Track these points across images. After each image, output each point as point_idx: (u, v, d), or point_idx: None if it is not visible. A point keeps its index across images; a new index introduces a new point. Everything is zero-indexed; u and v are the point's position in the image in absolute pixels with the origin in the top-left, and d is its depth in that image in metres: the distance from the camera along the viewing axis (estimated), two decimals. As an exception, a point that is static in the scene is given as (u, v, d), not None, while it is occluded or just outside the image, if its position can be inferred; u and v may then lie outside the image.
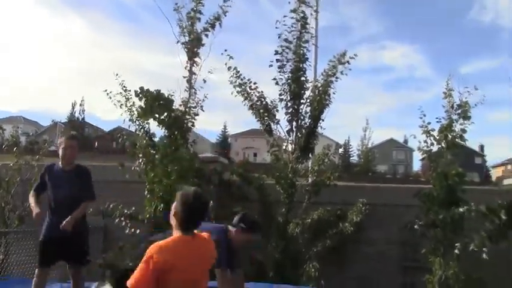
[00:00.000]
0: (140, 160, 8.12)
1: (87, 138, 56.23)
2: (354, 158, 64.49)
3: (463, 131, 7.38)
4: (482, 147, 65.16)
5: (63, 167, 4.72)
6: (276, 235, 8.20)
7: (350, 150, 65.90)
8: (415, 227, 7.86)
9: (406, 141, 68.88)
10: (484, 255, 5.99)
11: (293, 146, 8.69)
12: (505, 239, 6.25)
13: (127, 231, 8.40)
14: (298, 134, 8.63)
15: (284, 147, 8.92)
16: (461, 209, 6.59)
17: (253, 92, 8.63)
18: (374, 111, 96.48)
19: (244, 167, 9.93)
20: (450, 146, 7.23)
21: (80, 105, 63.47)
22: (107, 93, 8.32)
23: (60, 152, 4.72)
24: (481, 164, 62.95)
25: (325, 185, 8.44)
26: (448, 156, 7.33)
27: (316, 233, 8.66)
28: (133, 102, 8.10)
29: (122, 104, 8.19)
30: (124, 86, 8.28)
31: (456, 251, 6.49)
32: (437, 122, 7.54)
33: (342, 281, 8.34)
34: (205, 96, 8.48)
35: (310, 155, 8.80)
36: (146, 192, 8.12)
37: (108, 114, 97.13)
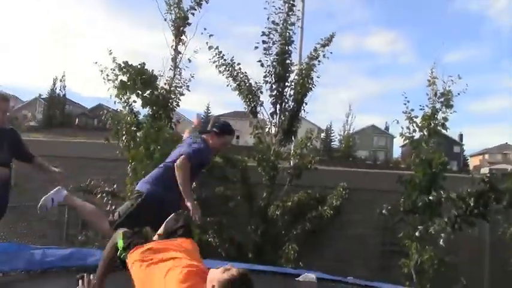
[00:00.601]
0: (123, 138, 8.08)
1: (68, 116, 55.51)
2: (335, 143, 64.93)
3: (445, 119, 7.48)
4: (461, 136, 66.06)
5: None
6: (257, 217, 8.26)
7: (332, 135, 66.29)
8: (391, 213, 8.03)
9: (387, 128, 69.42)
10: (441, 242, 6.11)
11: (276, 128, 8.74)
12: (470, 226, 6.38)
13: (108, 208, 8.38)
14: (282, 116, 8.67)
15: (267, 130, 8.96)
16: (433, 196, 6.71)
17: (238, 72, 8.61)
18: (357, 97, 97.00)
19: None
20: (432, 134, 7.33)
21: (61, 80, 62.42)
22: (97, 65, 8.11)
23: None
24: (460, 153, 63.89)
25: (307, 168, 8.50)
26: (431, 144, 7.43)
27: (296, 215, 8.74)
28: (117, 77, 7.98)
29: (108, 79, 8.01)
30: (114, 59, 8.08)
31: (417, 233, 6.64)
32: (421, 109, 7.63)
33: (320, 263, 8.43)
34: (192, 76, 8.46)
35: (292, 138, 8.86)
36: (129, 170, 8.09)
37: (89, 91, 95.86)
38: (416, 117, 7.62)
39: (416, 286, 6.94)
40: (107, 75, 7.98)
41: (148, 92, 7.98)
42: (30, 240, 9.20)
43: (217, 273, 2.36)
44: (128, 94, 8.05)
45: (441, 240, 6.23)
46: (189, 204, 3.60)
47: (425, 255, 6.88)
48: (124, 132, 7.99)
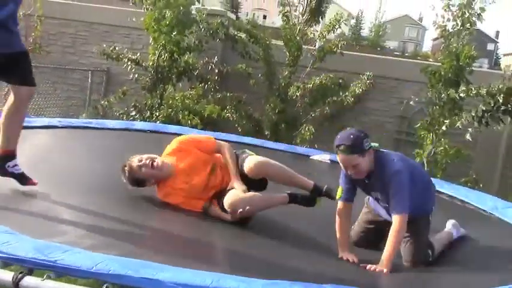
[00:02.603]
0: (144, 5, 7.96)
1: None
2: (365, 32, 62.94)
3: (482, 9, 7.09)
4: (497, 33, 63.35)
5: None
6: (277, 96, 8.29)
7: (362, 23, 64.02)
8: (413, 102, 7.97)
9: (421, 19, 66.69)
10: (468, 136, 6.11)
11: (304, 7, 8.47)
12: (496, 123, 6.33)
13: (131, 76, 8.49)
14: (311, -5, 8.36)
15: (295, 8, 8.69)
16: (461, 91, 6.59)
17: None
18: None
19: (252, 23, 9.70)
20: (465, 23, 7.01)
21: None
22: None
23: None
24: (493, 51, 61.70)
25: (332, 51, 8.33)
26: (462, 35, 7.14)
27: (316, 99, 8.73)
28: None
29: None
30: None
31: (444, 127, 6.62)
32: (458, -3, 7.21)
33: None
34: None
35: (320, 19, 8.59)
36: (151, 40, 8.06)
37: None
38: (453, 5, 7.24)
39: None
40: None
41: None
42: (55, 103, 9.50)
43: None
44: None
45: (468, 134, 6.22)
46: None
47: (440, 147, 6.93)
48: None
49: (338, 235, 3.07)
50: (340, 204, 3.15)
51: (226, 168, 3.29)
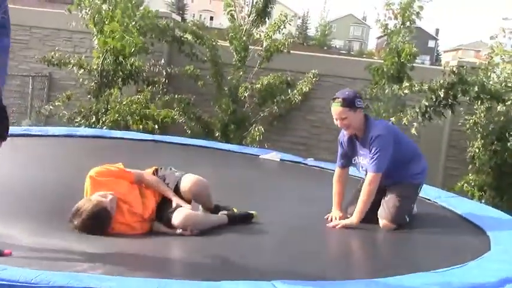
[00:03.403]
0: (87, 10, 7.74)
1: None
2: (312, 31, 63.85)
3: (420, 8, 7.34)
4: (437, 30, 65.74)
5: None
6: (225, 97, 8.27)
7: (308, 23, 64.91)
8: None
9: (364, 18, 68.32)
10: (413, 130, 6.31)
11: (250, 8, 8.49)
12: (438, 117, 6.57)
13: (74, 82, 8.26)
14: (256, -4, 8.38)
15: (241, 8, 8.70)
16: (404, 88, 6.78)
17: None
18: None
19: (197, 25, 9.63)
20: (406, 21, 7.23)
21: None
22: None
23: None
24: (434, 48, 63.95)
25: (278, 51, 8.39)
26: (403, 33, 7.35)
27: (265, 98, 8.78)
28: None
29: None
30: None
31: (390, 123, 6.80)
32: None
33: (284, 145, 8.67)
34: None
35: (266, 19, 8.63)
36: (96, 43, 7.85)
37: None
38: (393, 4, 7.46)
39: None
40: None
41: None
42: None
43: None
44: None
45: (413, 129, 6.42)
46: None
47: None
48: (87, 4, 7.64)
49: (333, 197, 3.49)
50: (336, 170, 3.59)
51: (150, 190, 3.22)
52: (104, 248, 2.68)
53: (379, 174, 3.27)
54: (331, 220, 3.40)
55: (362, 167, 3.49)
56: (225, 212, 3.27)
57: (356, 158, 3.53)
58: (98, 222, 2.84)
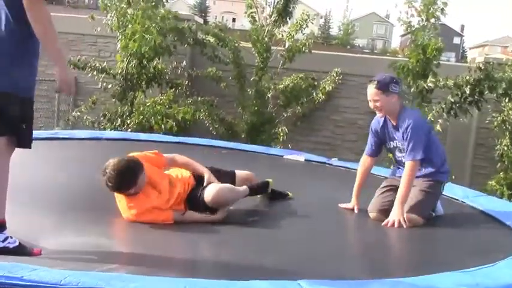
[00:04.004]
0: (112, 14, 7.86)
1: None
2: (334, 31, 63.51)
3: (445, 4, 7.23)
4: (462, 27, 64.66)
5: None
6: (248, 99, 8.28)
7: (330, 22, 64.61)
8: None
9: (387, 16, 67.61)
10: (438, 127, 6.22)
11: (271, 8, 8.50)
12: (464, 114, 6.48)
13: (99, 86, 8.37)
14: (278, -4, 8.38)
15: (262, 9, 8.71)
16: (429, 82, 6.69)
17: None
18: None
19: (220, 27, 9.68)
20: (430, 18, 7.13)
21: (49, -47, 58.95)
22: None
23: None
24: (459, 45, 62.95)
25: (300, 51, 8.36)
26: (428, 30, 7.26)
27: (289, 99, 8.77)
28: None
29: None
30: None
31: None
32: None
33: (308, 145, 8.64)
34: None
35: (288, 20, 8.61)
36: (118, 47, 7.96)
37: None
38: (415, 1, 7.37)
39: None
40: None
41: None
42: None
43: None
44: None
45: (438, 125, 6.35)
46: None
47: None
48: (113, 8, 7.76)
49: (354, 188, 3.55)
50: (363, 157, 3.62)
51: (181, 180, 3.24)
52: (131, 246, 2.75)
53: (418, 161, 3.28)
54: (346, 208, 3.53)
55: (400, 151, 3.47)
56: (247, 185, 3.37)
57: (391, 142, 3.51)
58: (128, 171, 2.93)
